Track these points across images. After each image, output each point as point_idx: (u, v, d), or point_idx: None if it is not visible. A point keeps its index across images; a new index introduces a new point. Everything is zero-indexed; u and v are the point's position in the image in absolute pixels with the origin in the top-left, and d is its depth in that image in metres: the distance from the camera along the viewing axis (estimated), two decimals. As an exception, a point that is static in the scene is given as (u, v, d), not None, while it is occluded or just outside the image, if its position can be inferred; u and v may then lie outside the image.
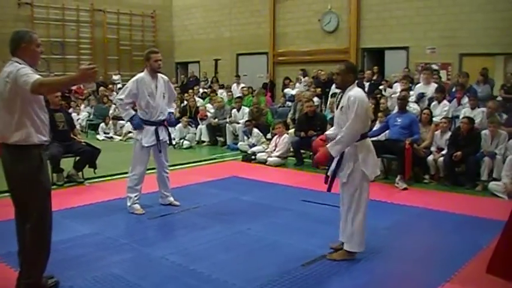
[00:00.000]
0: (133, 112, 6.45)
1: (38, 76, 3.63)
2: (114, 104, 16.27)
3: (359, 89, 4.77)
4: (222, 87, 17.11)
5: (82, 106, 17.02)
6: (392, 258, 4.90)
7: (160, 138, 6.49)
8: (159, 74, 6.50)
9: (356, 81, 4.86)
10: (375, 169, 4.83)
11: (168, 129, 6.69)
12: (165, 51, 22.22)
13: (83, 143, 8.49)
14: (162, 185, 6.85)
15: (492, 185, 7.82)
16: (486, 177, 8.09)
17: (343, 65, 4.85)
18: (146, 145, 6.41)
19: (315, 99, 12.75)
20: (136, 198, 6.51)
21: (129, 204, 6.49)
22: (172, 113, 6.84)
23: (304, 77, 15.82)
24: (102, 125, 14.78)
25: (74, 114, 13.68)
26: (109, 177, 8.67)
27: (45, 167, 3.98)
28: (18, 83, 3.60)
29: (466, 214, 6.48)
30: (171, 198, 6.85)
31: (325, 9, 16.70)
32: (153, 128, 6.43)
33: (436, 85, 10.73)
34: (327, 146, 4.69)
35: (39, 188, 3.86)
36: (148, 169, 6.73)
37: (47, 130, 3.99)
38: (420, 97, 10.51)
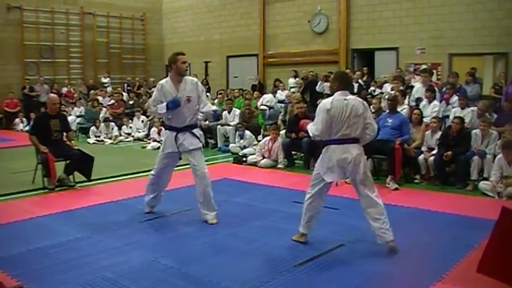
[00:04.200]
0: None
1: None
2: (105, 108, 16.30)
3: (333, 97, 5.03)
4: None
5: (73, 109, 16.93)
6: (384, 258, 4.90)
7: (182, 143, 6.03)
8: (185, 77, 6.12)
9: (340, 90, 5.04)
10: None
11: (195, 134, 6.15)
12: (154, 54, 22.36)
13: (76, 150, 8.36)
14: (197, 196, 6.22)
15: (482, 184, 7.86)
16: (476, 177, 8.12)
17: (334, 73, 5.29)
18: (163, 153, 6.19)
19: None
20: (151, 197, 6.50)
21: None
22: (216, 110, 6.55)
23: (295, 78, 15.83)
24: (93, 128, 14.73)
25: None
26: (100, 181, 8.63)
27: None
28: None
29: (457, 214, 6.51)
30: (208, 216, 6.15)
31: (314, 11, 16.77)
32: (174, 134, 6.07)
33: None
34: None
35: None
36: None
37: None
38: (418, 102, 10.45)
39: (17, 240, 5.46)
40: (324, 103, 5.01)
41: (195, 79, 6.33)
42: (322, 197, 5.20)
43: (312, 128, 5.09)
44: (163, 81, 6.19)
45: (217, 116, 6.76)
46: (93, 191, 8.08)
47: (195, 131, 6.18)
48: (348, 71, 13.93)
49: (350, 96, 5.04)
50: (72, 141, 8.72)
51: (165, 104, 5.93)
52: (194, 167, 6.13)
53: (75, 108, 16.95)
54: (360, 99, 5.13)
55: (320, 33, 16.74)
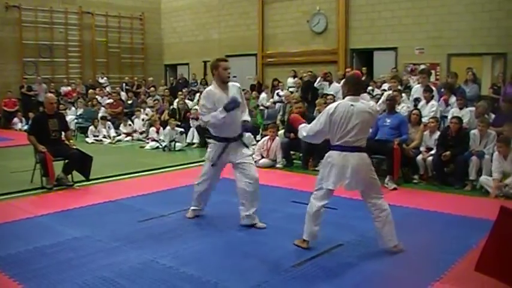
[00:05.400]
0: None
1: None
2: (104, 107, 16.30)
3: (340, 102, 4.94)
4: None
5: (70, 109, 16.91)
6: (382, 258, 4.90)
7: (234, 154, 5.83)
8: (230, 83, 5.83)
9: (351, 95, 4.88)
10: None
11: (245, 143, 6.01)
12: (153, 54, 22.36)
13: (74, 149, 8.34)
14: (240, 198, 5.94)
15: (483, 178, 7.89)
16: (475, 177, 8.13)
17: (346, 76, 5.27)
18: (212, 163, 5.92)
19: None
20: (197, 208, 6.29)
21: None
22: (247, 120, 6.02)
23: (294, 78, 15.83)
24: (92, 127, 14.73)
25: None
26: (99, 181, 8.62)
27: None
28: None
29: (455, 213, 6.51)
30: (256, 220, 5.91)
31: (313, 11, 16.76)
32: (223, 144, 5.81)
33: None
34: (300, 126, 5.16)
35: None
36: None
37: None
38: (417, 102, 10.45)
39: (16, 239, 5.46)
40: (330, 106, 4.95)
41: (238, 84, 6.07)
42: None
43: (305, 128, 5.06)
44: (209, 88, 5.86)
45: (246, 128, 6.08)
46: (91, 190, 8.08)
47: (244, 139, 6.04)
48: (347, 70, 14.03)
49: (359, 103, 4.83)
50: (71, 141, 8.71)
51: (221, 108, 5.57)
52: (244, 171, 5.86)
53: (72, 108, 16.93)
54: (371, 106, 4.98)
55: (319, 33, 16.74)
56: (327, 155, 4.96)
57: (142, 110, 15.45)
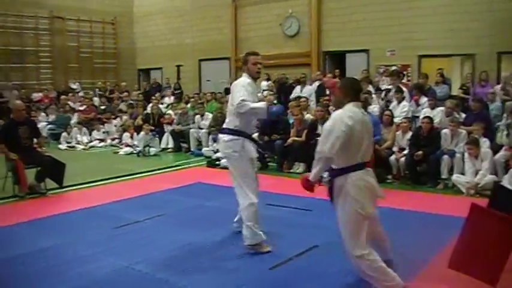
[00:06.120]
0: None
1: None
2: (76, 113, 16.13)
3: (348, 110, 4.01)
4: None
5: (42, 115, 16.68)
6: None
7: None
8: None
9: (353, 102, 4.06)
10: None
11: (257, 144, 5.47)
12: (126, 58, 22.17)
13: (47, 156, 8.26)
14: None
15: (455, 177, 8.02)
16: (447, 176, 8.28)
17: (342, 80, 4.43)
18: (248, 160, 5.28)
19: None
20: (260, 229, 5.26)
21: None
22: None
23: (267, 81, 15.86)
24: (64, 134, 14.57)
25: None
26: (72, 187, 8.52)
27: None
28: None
29: (429, 212, 6.60)
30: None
31: (286, 14, 16.82)
32: (244, 139, 5.23)
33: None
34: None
35: None
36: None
37: None
38: (389, 104, 10.57)
39: (-14, 249, 5.37)
40: (341, 116, 3.95)
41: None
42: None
43: (323, 148, 3.95)
44: (246, 80, 5.27)
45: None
46: (65, 198, 7.99)
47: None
48: (318, 73, 14.15)
49: (362, 110, 4.20)
50: (43, 148, 8.60)
51: (265, 104, 5.20)
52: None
53: (42, 114, 16.66)
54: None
55: (292, 36, 16.81)
56: (353, 179, 3.95)
57: (120, 117, 15.32)
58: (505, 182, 7.33)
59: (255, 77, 5.27)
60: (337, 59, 15.87)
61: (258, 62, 5.24)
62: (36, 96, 18.72)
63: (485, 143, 8.13)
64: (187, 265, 4.86)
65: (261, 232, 5.15)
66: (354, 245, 3.95)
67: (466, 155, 7.97)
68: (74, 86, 19.99)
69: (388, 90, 11.03)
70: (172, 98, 17.00)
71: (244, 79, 5.25)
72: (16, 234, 5.94)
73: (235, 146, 5.19)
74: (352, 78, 4.70)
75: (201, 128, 12.74)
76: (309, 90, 13.39)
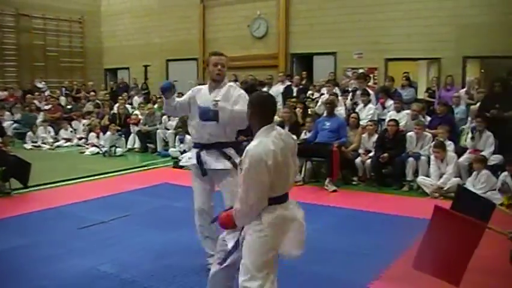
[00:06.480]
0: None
1: None
2: (42, 112, 15.86)
3: (263, 140, 3.10)
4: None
5: (7, 114, 16.34)
6: (322, 259, 4.96)
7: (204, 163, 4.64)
8: (228, 84, 4.71)
9: (266, 124, 3.18)
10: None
11: (228, 156, 4.80)
12: (93, 58, 21.88)
13: (12, 155, 8.13)
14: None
15: (420, 179, 8.16)
16: (412, 178, 8.41)
17: (250, 97, 3.44)
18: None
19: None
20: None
21: None
22: None
23: (235, 83, 15.86)
24: (30, 133, 14.30)
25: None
26: (38, 187, 8.37)
27: None
28: None
29: (394, 213, 6.70)
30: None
31: (254, 15, 16.83)
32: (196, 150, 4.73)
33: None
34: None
35: None
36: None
37: None
38: (355, 106, 10.67)
39: None
40: (257, 154, 3.02)
41: (241, 92, 4.75)
42: None
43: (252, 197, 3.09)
44: (201, 86, 4.95)
45: None
46: (30, 198, 7.85)
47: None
48: (280, 74, 14.26)
49: (279, 129, 3.28)
50: (8, 147, 8.45)
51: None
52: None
53: (7, 113, 16.32)
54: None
55: (260, 37, 16.83)
56: (271, 216, 3.19)
57: (88, 118, 15.11)
58: (469, 185, 7.53)
59: (215, 79, 4.63)
60: (305, 61, 15.95)
61: (219, 63, 4.60)
62: (1, 95, 18.32)
63: (450, 146, 8.29)
64: (153, 266, 4.84)
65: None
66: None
67: (432, 157, 8.11)
68: (40, 85, 19.62)
69: (355, 91, 11.14)
70: (141, 98, 16.86)
71: (200, 87, 4.92)
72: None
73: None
74: (263, 94, 3.52)
75: (168, 129, 12.70)
76: (275, 92, 13.45)
